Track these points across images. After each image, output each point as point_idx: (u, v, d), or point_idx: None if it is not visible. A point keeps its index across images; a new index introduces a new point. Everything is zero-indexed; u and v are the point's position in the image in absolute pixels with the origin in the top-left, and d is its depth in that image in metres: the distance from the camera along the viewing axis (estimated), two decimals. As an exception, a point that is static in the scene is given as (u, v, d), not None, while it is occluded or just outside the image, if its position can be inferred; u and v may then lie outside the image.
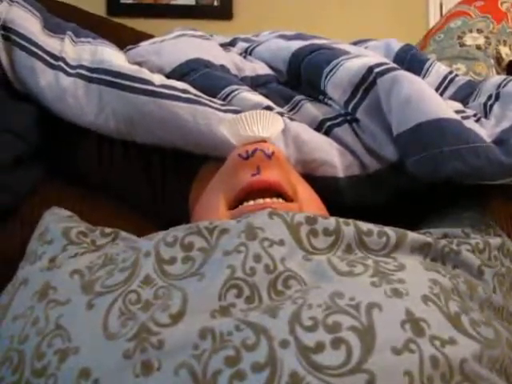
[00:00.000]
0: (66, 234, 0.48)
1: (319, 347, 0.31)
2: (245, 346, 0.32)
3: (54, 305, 0.38)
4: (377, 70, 0.57)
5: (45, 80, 0.60)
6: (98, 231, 0.50)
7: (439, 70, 0.73)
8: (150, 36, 0.85)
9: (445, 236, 0.52)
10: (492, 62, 0.86)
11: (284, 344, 0.32)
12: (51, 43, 0.63)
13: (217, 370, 0.31)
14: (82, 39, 0.65)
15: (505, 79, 0.66)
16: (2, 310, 0.42)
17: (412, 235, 0.44)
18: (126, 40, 0.78)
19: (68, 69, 0.61)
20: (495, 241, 0.50)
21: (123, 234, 0.50)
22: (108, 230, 0.50)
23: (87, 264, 0.42)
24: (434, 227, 0.54)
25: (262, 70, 0.70)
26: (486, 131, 0.58)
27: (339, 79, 0.60)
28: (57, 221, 0.51)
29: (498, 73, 0.86)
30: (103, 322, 0.36)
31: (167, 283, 0.38)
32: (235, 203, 0.48)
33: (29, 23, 0.62)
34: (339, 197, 0.58)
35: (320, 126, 0.61)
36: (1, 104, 0.60)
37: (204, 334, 0.33)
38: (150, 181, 0.63)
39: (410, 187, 0.59)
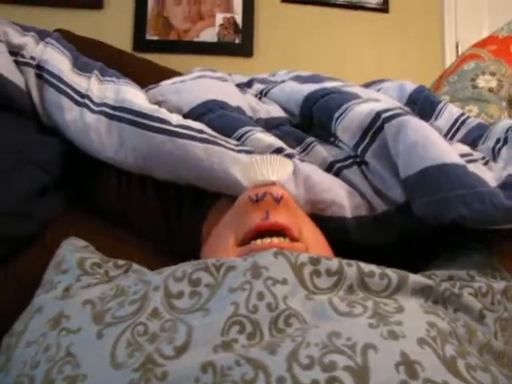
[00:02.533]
0: (80, 265, 0.50)
1: None
2: (243, 381, 0.33)
3: (65, 333, 0.40)
4: (384, 115, 0.59)
5: (71, 115, 0.64)
6: (111, 263, 0.52)
7: (451, 111, 0.74)
8: (174, 71, 0.89)
9: (450, 278, 0.52)
10: (504, 104, 0.88)
11: (281, 380, 0.33)
12: (78, 81, 0.67)
13: None
14: (107, 78, 0.69)
15: (513, 123, 0.68)
16: (17, 336, 0.44)
17: (413, 277, 0.44)
18: (150, 75, 0.82)
19: (93, 106, 0.65)
20: (499, 285, 0.50)
21: (135, 266, 0.52)
22: (121, 262, 0.52)
23: (99, 295, 0.44)
24: (441, 269, 0.54)
25: (276, 112, 0.73)
26: (493, 175, 0.59)
27: (348, 123, 0.62)
28: (73, 251, 0.54)
29: (510, 115, 0.88)
30: (111, 351, 0.37)
31: (174, 317, 0.40)
32: (244, 242, 0.50)
33: (60, 63, 0.67)
34: (347, 236, 0.60)
35: (330, 168, 0.63)
36: (29, 137, 0.64)
37: (205, 367, 0.35)
38: (166, 214, 0.65)
39: (416, 229, 0.60)
